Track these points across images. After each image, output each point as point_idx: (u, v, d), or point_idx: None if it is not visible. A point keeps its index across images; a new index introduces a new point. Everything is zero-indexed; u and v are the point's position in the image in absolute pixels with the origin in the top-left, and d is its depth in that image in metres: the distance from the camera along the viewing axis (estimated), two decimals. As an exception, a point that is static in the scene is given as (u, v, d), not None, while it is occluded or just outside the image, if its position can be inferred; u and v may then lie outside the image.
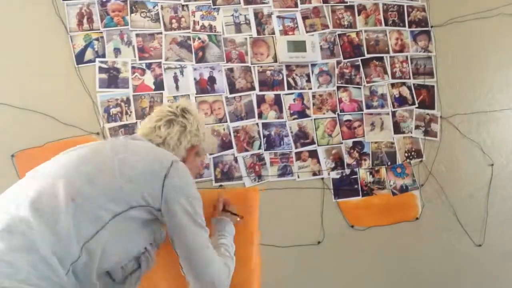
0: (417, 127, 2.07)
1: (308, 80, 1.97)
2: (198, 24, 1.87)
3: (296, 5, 1.97)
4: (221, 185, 1.83)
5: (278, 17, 1.96)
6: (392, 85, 2.05)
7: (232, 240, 1.34)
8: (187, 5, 1.87)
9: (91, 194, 0.96)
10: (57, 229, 0.89)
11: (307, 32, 1.97)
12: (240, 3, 1.92)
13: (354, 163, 1.99)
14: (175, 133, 1.23)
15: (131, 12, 1.82)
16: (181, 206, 1.06)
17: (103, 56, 1.78)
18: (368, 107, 2.02)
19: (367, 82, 2.02)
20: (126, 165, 1.04)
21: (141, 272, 1.08)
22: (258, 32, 1.93)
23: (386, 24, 2.06)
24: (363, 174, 2.00)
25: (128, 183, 1.00)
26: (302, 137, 1.95)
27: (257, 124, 1.90)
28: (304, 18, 1.98)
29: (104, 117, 1.77)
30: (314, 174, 1.94)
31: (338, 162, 1.97)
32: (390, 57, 2.06)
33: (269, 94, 1.92)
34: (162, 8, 1.84)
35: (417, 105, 2.07)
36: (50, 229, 0.89)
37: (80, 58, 1.76)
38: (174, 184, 1.06)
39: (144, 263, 1.08)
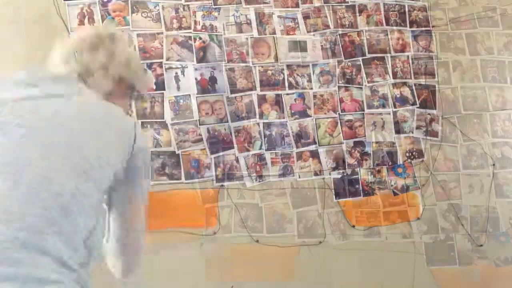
0: (418, 127, 2.06)
1: (309, 80, 1.96)
2: (199, 24, 1.87)
3: (297, 5, 1.97)
4: (222, 185, 1.83)
5: (279, 17, 1.95)
6: (393, 85, 2.05)
7: None
8: (188, 5, 1.87)
9: (88, 190, 0.87)
10: (65, 231, 0.83)
11: (308, 32, 1.97)
12: (241, 3, 1.92)
13: (355, 163, 1.99)
14: (100, 59, 1.00)
15: (132, 12, 1.82)
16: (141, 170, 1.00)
17: (104, 56, 1.78)
18: (369, 107, 2.02)
19: (368, 82, 2.02)
20: (103, 150, 0.92)
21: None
22: (259, 32, 1.93)
23: (387, 24, 2.06)
24: (364, 174, 1.99)
25: (109, 168, 0.92)
26: (303, 137, 1.94)
27: (258, 124, 1.90)
28: (305, 18, 1.98)
29: (105, 117, 1.76)
30: (315, 174, 1.94)
31: (339, 162, 1.97)
32: (391, 57, 2.06)
33: (270, 94, 1.92)
34: (163, 8, 1.85)
35: (418, 105, 2.07)
36: (59, 232, 0.81)
37: (81, 58, 1.76)
38: (140, 147, 0.98)
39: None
